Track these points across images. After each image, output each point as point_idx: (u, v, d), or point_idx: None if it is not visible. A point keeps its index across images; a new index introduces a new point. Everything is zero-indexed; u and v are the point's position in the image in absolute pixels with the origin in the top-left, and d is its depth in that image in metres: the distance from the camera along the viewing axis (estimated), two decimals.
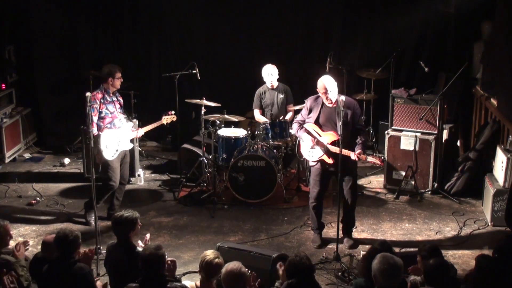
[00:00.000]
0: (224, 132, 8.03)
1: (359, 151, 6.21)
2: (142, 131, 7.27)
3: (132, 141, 7.21)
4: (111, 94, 6.96)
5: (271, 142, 7.84)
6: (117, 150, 6.91)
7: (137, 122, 8.37)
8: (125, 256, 4.89)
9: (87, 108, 6.06)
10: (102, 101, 6.86)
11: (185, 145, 8.40)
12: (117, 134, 6.91)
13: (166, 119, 7.49)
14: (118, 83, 6.98)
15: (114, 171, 6.92)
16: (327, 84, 6.24)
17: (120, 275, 4.80)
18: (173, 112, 7.59)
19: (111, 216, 6.21)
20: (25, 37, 9.70)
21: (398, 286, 4.32)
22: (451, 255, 6.36)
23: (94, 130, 6.75)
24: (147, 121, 9.49)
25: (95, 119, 6.80)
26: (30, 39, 9.69)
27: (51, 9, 9.63)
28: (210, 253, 4.54)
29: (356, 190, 6.58)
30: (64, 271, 4.62)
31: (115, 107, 6.99)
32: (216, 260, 4.52)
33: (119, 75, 6.97)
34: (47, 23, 9.68)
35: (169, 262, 4.76)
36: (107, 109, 6.88)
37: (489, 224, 7.03)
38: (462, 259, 6.29)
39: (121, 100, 7.16)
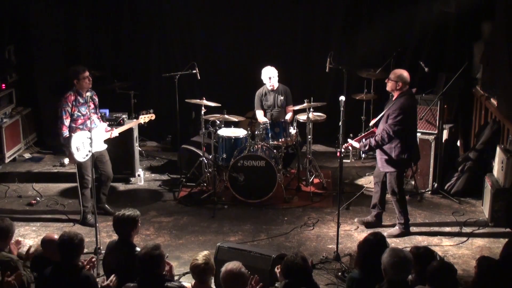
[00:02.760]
0: (224, 132, 8.03)
1: (354, 143, 6.55)
2: (116, 132, 7.24)
3: (106, 141, 7.15)
4: (83, 95, 6.87)
5: (271, 142, 7.84)
6: (89, 151, 6.71)
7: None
8: (126, 254, 4.88)
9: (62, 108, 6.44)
10: (74, 103, 6.82)
11: (185, 145, 8.40)
12: (89, 135, 6.84)
13: (143, 118, 7.47)
14: (84, 83, 6.86)
15: (86, 169, 6.87)
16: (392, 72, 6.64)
17: (120, 274, 4.79)
18: (151, 110, 7.55)
19: (99, 209, 6.35)
20: (25, 37, 9.71)
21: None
22: (451, 255, 6.36)
23: (65, 133, 6.78)
24: (147, 121, 9.52)
25: (67, 121, 6.80)
26: (30, 39, 9.70)
27: (51, 9, 9.64)
28: (200, 257, 4.47)
29: (389, 184, 6.68)
30: (70, 279, 4.57)
31: (88, 108, 6.92)
32: (203, 265, 4.43)
33: (84, 75, 6.84)
34: (47, 23, 9.69)
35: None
36: (79, 111, 6.85)
37: (489, 224, 7.02)
38: (462, 259, 6.28)
39: (96, 99, 7.10)
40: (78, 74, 6.83)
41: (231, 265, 4.37)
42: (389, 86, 6.60)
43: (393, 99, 6.59)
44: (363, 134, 6.82)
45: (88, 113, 6.83)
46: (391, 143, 6.48)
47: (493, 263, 4.54)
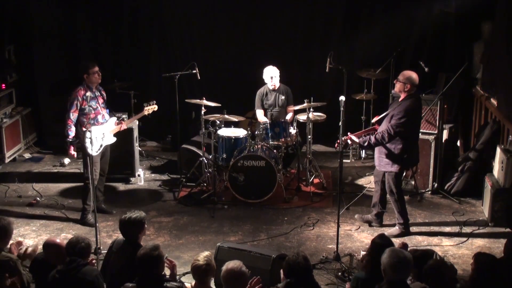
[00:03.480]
0: (224, 132, 8.03)
1: (354, 137, 6.51)
2: (125, 125, 7.29)
3: (115, 135, 7.22)
4: (93, 90, 6.98)
5: (271, 142, 7.84)
6: (101, 146, 6.93)
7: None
8: (133, 256, 4.85)
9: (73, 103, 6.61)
10: (84, 97, 6.87)
11: (185, 145, 8.40)
12: (100, 130, 6.92)
13: (147, 110, 7.46)
14: (94, 78, 6.94)
15: (95, 165, 6.90)
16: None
17: (125, 275, 4.78)
18: (154, 101, 7.53)
19: (96, 208, 6.39)
20: (25, 37, 9.71)
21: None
22: (451, 255, 6.36)
23: (69, 126, 6.83)
24: (146, 121, 9.54)
25: (74, 115, 6.87)
26: (30, 39, 9.69)
27: (51, 9, 9.64)
28: (201, 258, 4.49)
29: (387, 184, 6.69)
30: (73, 273, 4.59)
31: (98, 103, 7.03)
32: (205, 266, 4.45)
33: (94, 70, 6.93)
34: (47, 23, 9.69)
35: (168, 263, 4.77)
36: (90, 105, 6.89)
37: (489, 224, 7.02)
38: (462, 259, 6.28)
39: (104, 95, 7.17)
40: (87, 69, 6.92)
41: (231, 264, 4.38)
42: (397, 87, 6.60)
43: (400, 100, 6.59)
44: (364, 130, 6.82)
45: (99, 107, 6.94)
46: (391, 143, 6.48)
47: (491, 258, 4.57)
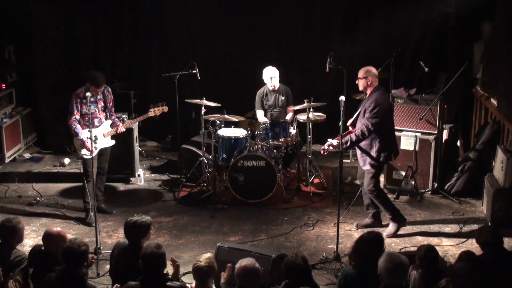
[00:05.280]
0: (224, 132, 8.03)
1: (334, 141, 6.50)
2: (123, 127, 7.25)
3: (113, 137, 7.22)
4: (94, 95, 6.98)
5: (271, 142, 7.84)
6: (95, 148, 6.90)
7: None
8: (133, 259, 4.86)
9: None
10: (84, 100, 6.86)
11: (185, 145, 8.40)
12: (94, 133, 6.90)
13: (154, 111, 7.42)
14: (93, 92, 6.92)
15: (92, 164, 6.93)
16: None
17: (125, 276, 4.78)
18: (163, 103, 7.47)
19: (96, 208, 6.44)
20: (25, 37, 9.70)
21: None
22: (451, 255, 6.36)
23: (74, 125, 6.89)
24: (146, 121, 9.53)
25: (77, 117, 6.93)
26: (30, 39, 9.69)
27: (51, 9, 9.64)
28: (202, 259, 4.50)
29: (368, 183, 6.64)
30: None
31: (97, 107, 7.05)
32: (206, 268, 4.46)
33: (96, 89, 6.91)
34: (47, 23, 9.69)
35: (171, 263, 4.78)
36: (87, 108, 6.88)
37: (489, 224, 7.02)
38: None
39: (110, 96, 7.19)
40: (92, 82, 6.92)
41: (245, 261, 4.42)
42: (361, 84, 6.61)
43: (367, 96, 6.59)
44: (342, 134, 6.73)
45: (97, 111, 6.94)
46: (369, 139, 6.48)
47: (473, 257, 4.71)
